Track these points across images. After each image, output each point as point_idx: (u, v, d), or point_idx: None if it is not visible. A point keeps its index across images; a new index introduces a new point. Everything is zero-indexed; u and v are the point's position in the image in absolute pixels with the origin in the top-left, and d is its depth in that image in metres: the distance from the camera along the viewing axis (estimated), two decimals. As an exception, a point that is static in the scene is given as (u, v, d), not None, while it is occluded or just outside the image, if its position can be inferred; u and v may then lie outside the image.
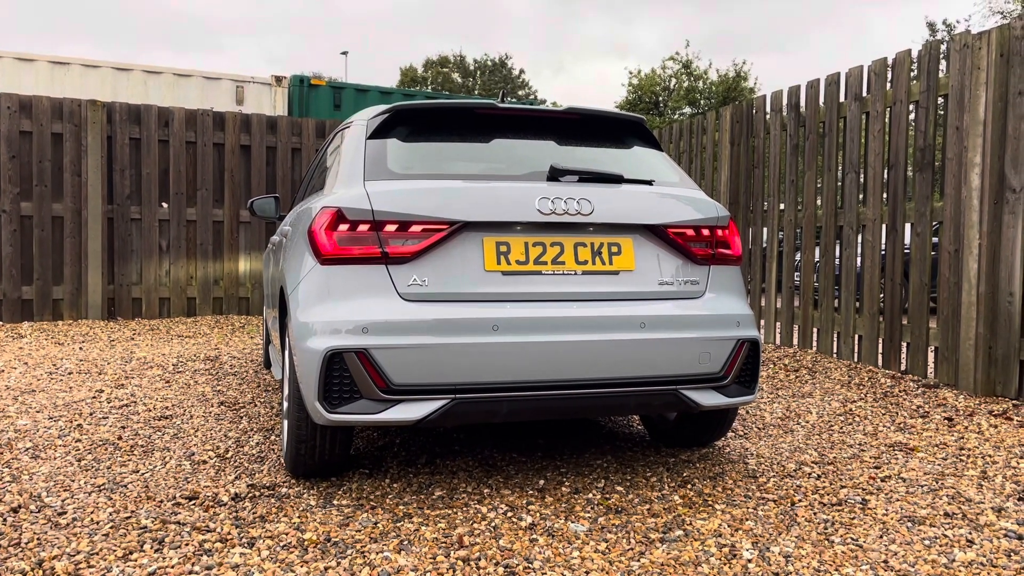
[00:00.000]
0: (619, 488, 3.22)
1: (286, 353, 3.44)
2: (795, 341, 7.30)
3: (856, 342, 6.66)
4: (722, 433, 3.70)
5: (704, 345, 3.17)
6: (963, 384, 5.45)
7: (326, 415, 2.90)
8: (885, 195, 6.45)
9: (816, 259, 7.28)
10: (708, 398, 3.21)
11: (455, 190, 3.07)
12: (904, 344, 6.18)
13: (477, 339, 2.90)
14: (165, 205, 9.13)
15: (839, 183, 6.96)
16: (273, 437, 3.95)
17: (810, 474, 3.41)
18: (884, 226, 6.42)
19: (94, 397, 4.77)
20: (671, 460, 3.61)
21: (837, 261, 7.07)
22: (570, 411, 3.12)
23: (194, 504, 2.97)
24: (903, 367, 6.14)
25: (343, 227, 2.98)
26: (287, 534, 2.67)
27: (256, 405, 4.67)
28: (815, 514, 2.91)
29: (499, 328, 2.93)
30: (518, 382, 2.95)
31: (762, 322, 7.81)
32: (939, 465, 3.56)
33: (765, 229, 7.81)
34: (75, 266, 8.75)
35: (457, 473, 3.38)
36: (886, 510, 2.95)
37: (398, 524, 2.78)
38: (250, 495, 3.08)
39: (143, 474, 3.36)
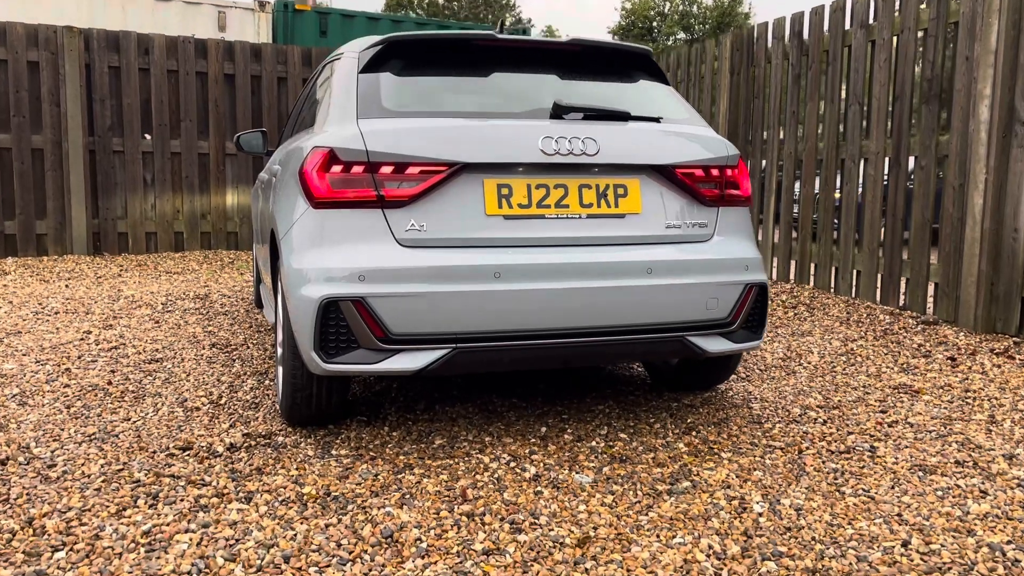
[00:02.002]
0: (622, 435, 3.16)
1: (279, 298, 3.32)
2: (792, 276, 7.23)
3: (854, 278, 6.59)
4: (725, 376, 3.63)
5: (712, 290, 3.07)
6: (963, 321, 5.40)
7: (323, 365, 2.80)
8: (889, 127, 6.30)
9: (816, 192, 7.15)
10: (715, 344, 3.12)
11: (454, 129, 2.91)
12: (903, 280, 6.11)
13: (478, 287, 2.79)
14: (148, 137, 8.87)
15: (842, 115, 6.79)
16: (267, 382, 3.86)
17: (816, 419, 3.35)
18: (887, 159, 6.29)
19: (82, 339, 4.66)
20: (674, 405, 3.55)
21: (837, 194, 6.95)
22: (574, 359, 3.03)
23: (188, 455, 2.89)
24: (902, 303, 6.08)
25: (336, 168, 2.84)
26: (285, 488, 2.60)
27: (248, 347, 4.57)
28: (824, 463, 2.86)
29: (501, 275, 2.81)
30: (521, 330, 2.86)
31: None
32: (945, 408, 3.51)
33: (764, 161, 7.66)
34: (58, 200, 8.54)
35: (457, 420, 3.31)
36: (895, 458, 2.90)
37: (399, 476, 2.71)
38: (246, 445, 3.01)
39: (135, 422, 3.27)
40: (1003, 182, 5.30)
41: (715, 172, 3.18)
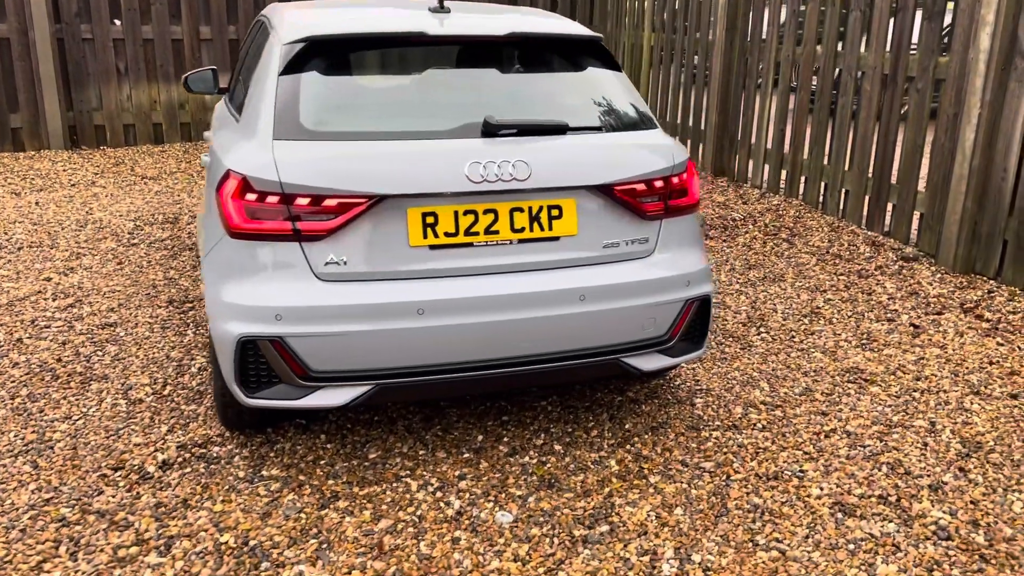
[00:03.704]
0: (557, 447, 3.16)
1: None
2: (782, 186, 7.04)
3: (842, 197, 6.41)
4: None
5: (649, 311, 2.98)
6: (943, 258, 5.29)
7: (245, 400, 2.78)
8: (889, 41, 5.93)
9: (811, 103, 6.83)
10: (651, 362, 3.07)
11: (374, 158, 2.74)
12: (890, 205, 5.95)
13: (400, 324, 2.72)
14: (118, 23, 8.48)
15: (842, 21, 6.40)
16: (215, 361, 3.85)
17: (755, 424, 3.34)
18: (884, 76, 5.96)
19: (39, 291, 4.64)
20: (617, 400, 3.53)
21: (832, 106, 6.65)
22: (504, 387, 3.00)
23: (119, 477, 2.93)
24: (886, 228, 5.95)
25: (251, 197, 2.70)
26: (206, 531, 2.64)
27: (204, 302, 4.54)
28: (747, 495, 2.87)
29: (425, 312, 2.73)
30: (446, 364, 2.81)
31: (750, 163, 7.50)
32: (890, 407, 3.48)
33: (761, 63, 7.28)
34: (29, 92, 8.29)
35: (396, 424, 3.31)
36: (821, 489, 2.90)
37: (322, 513, 2.75)
38: (179, 460, 3.04)
39: (75, 423, 3.29)
40: (997, 118, 5.05)
41: (659, 184, 3.01)
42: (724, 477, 2.98)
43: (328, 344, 2.70)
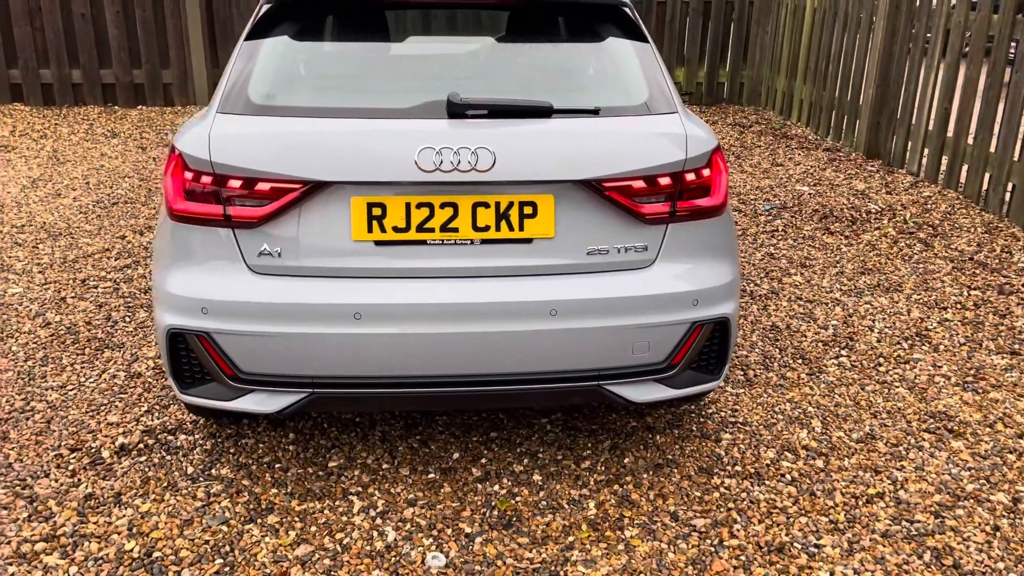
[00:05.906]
0: (536, 477, 2.76)
1: None
2: (940, 176, 6.09)
3: (1008, 192, 5.43)
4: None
5: (641, 333, 2.49)
6: (1117, 278, 4.32)
7: (180, 395, 2.58)
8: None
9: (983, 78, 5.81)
10: (645, 392, 2.58)
11: (314, 138, 2.41)
12: (1064, 206, 4.96)
13: (334, 330, 2.40)
14: (262, -19, 8.60)
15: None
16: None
17: (784, 475, 2.77)
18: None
19: (107, 249, 4.71)
20: (630, 425, 3.05)
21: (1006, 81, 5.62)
22: (458, 407, 2.63)
23: (71, 460, 2.82)
24: (1056, 234, 4.98)
25: (188, 176, 2.46)
26: (118, 535, 2.46)
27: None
28: (733, 570, 2.34)
29: (362, 317, 2.40)
30: (390, 377, 2.47)
31: (909, 144, 6.53)
32: (969, 471, 2.79)
33: (929, 33, 6.29)
34: (179, 49, 8.61)
35: (374, 428, 3.01)
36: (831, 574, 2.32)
37: (245, 528, 2.50)
38: (138, 447, 2.90)
39: (68, 392, 3.24)
40: None
41: (665, 181, 2.48)
42: (716, 541, 2.46)
43: (257, 344, 2.43)
